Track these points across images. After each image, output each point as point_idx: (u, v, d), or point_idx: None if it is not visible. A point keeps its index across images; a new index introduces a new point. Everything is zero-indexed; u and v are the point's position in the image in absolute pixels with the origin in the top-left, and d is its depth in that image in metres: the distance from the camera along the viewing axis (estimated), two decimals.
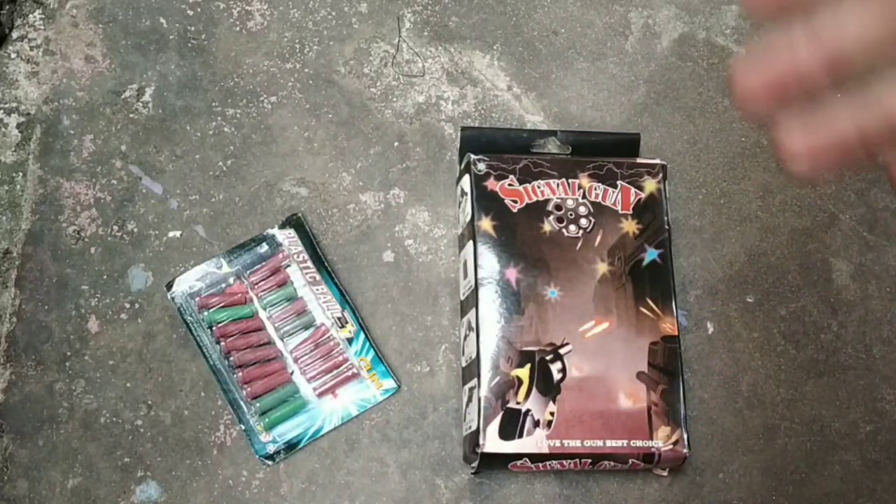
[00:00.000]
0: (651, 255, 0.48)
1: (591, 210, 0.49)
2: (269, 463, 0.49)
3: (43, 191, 0.53)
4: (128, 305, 0.51)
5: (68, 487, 0.48)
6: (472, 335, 0.46)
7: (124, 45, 0.56)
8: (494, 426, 0.44)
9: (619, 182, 0.49)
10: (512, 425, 0.44)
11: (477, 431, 0.44)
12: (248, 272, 0.51)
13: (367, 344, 0.51)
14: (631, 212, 0.49)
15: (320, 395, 0.50)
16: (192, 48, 0.56)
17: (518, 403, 0.44)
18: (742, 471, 0.50)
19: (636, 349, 0.47)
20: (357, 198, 0.54)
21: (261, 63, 0.56)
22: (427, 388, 0.51)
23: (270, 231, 0.52)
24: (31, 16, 0.57)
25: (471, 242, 0.48)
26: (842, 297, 0.54)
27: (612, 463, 0.45)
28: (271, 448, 0.49)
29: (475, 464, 0.45)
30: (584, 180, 0.49)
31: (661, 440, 0.45)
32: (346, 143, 0.55)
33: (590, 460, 0.45)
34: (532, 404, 0.44)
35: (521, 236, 0.48)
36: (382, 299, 0.52)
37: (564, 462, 0.45)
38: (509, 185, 0.48)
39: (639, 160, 0.50)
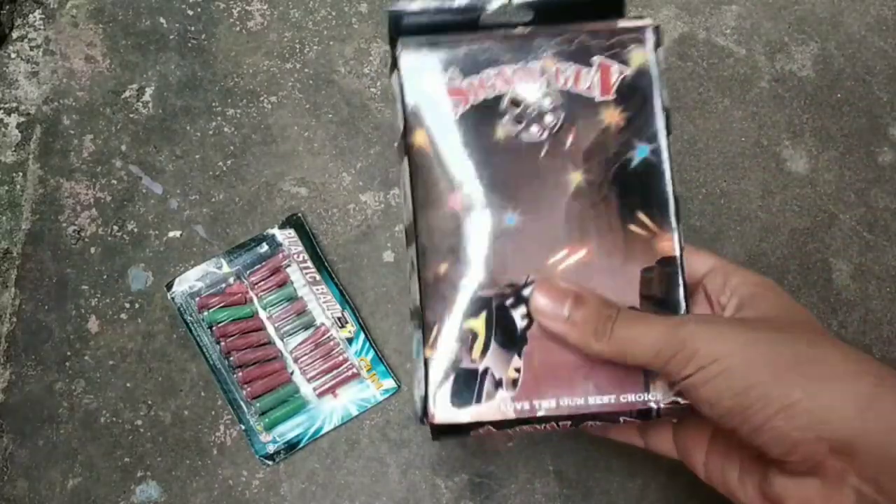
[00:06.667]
0: (641, 152, 0.37)
1: (559, 101, 0.37)
2: (269, 463, 0.49)
3: (43, 191, 0.53)
4: (128, 305, 0.51)
5: (68, 487, 0.49)
6: (415, 277, 0.37)
7: (124, 45, 0.56)
8: (445, 392, 0.35)
9: (595, 58, 0.37)
10: (467, 389, 0.35)
11: (426, 397, 0.36)
12: (248, 272, 0.51)
13: (367, 344, 0.51)
14: (613, 96, 0.37)
15: (320, 395, 0.50)
16: (192, 48, 0.56)
17: (473, 362, 0.35)
18: None
19: (624, 279, 0.36)
20: (357, 198, 0.54)
21: (261, 63, 0.56)
22: None
23: (270, 231, 0.52)
24: (31, 16, 0.57)
25: (405, 160, 0.37)
26: (842, 297, 0.54)
27: (598, 423, 0.36)
28: (271, 448, 0.49)
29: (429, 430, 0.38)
30: (549, 61, 0.37)
31: (661, 391, 0.35)
32: (346, 143, 0.55)
33: (570, 422, 0.36)
34: (491, 361, 0.36)
35: (467, 149, 0.37)
36: (382, 299, 0.52)
37: (538, 426, 0.36)
38: (450, 80, 0.37)
39: (620, 23, 0.37)
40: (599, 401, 0.35)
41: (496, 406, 0.36)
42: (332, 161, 0.55)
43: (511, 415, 0.35)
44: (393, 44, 0.38)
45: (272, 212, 0.53)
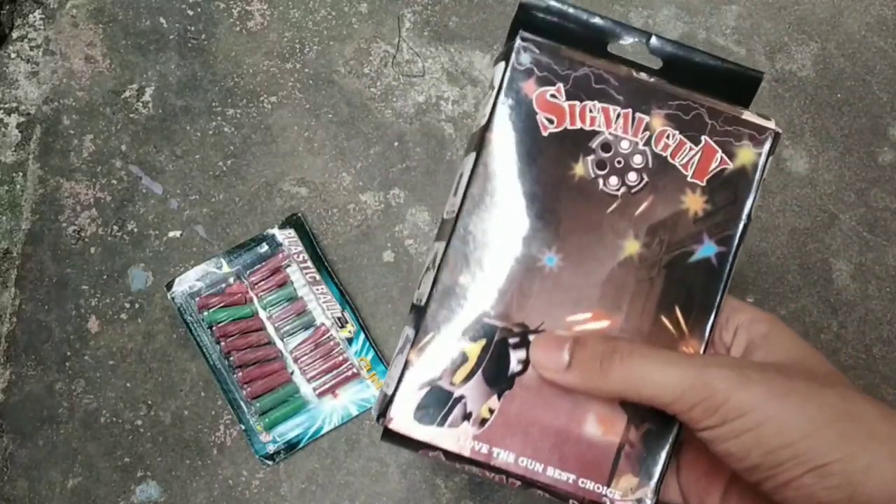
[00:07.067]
0: (707, 250, 0.35)
1: (651, 164, 0.35)
2: (269, 463, 0.49)
3: (43, 191, 0.53)
4: (128, 305, 0.51)
5: (68, 487, 0.49)
6: (431, 274, 0.35)
7: (124, 45, 0.56)
8: (412, 401, 0.34)
9: (704, 137, 0.35)
10: (434, 409, 0.34)
11: (391, 398, 0.34)
12: (248, 272, 0.51)
13: (367, 344, 0.51)
14: (704, 183, 0.35)
15: (320, 395, 0.50)
16: (192, 48, 0.56)
17: (452, 385, 0.34)
18: None
19: None
20: (357, 198, 0.54)
21: (261, 63, 0.56)
22: None
23: (270, 231, 0.52)
24: (31, 16, 0.57)
25: (473, 155, 0.35)
26: (842, 297, 0.54)
27: (546, 495, 0.35)
28: (271, 448, 0.49)
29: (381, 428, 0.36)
30: (658, 121, 0.35)
31: (620, 491, 0.34)
32: (346, 143, 0.55)
33: (519, 483, 0.35)
34: (469, 391, 0.34)
35: (539, 170, 0.35)
36: (382, 299, 0.52)
37: (487, 473, 0.35)
38: (552, 96, 0.35)
39: (745, 114, 0.35)
40: (557, 475, 0.34)
41: (455, 437, 0.34)
42: (332, 161, 0.55)
43: (466, 452, 0.34)
44: (512, 34, 0.36)
45: (272, 212, 0.53)
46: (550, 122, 0.35)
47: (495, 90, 0.35)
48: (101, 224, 0.53)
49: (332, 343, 0.51)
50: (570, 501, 0.34)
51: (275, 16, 0.57)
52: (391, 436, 0.34)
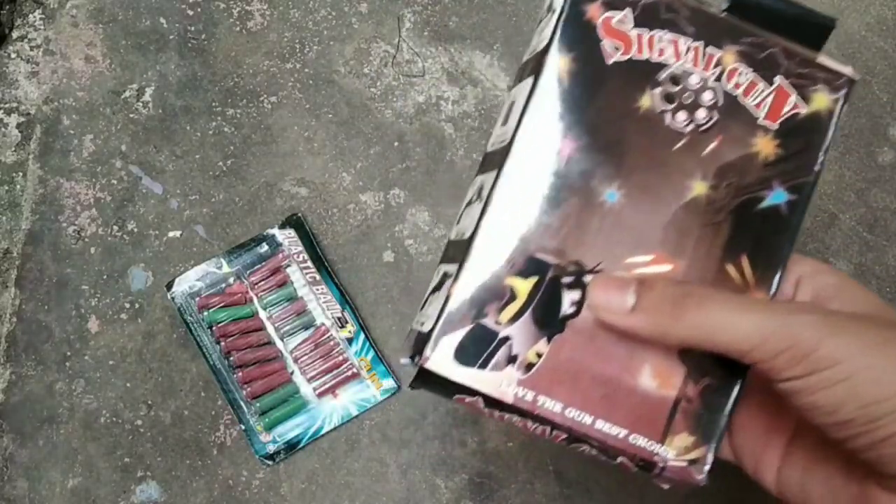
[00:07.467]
0: (778, 197, 0.33)
1: (721, 102, 0.33)
2: (269, 463, 0.49)
3: (43, 191, 0.53)
4: (128, 305, 0.51)
5: (68, 487, 0.49)
6: (478, 206, 0.32)
7: (124, 45, 0.56)
8: (452, 340, 0.31)
9: (778, 78, 0.33)
10: (477, 349, 0.31)
11: (428, 336, 0.31)
12: (248, 272, 0.51)
13: (367, 344, 0.51)
14: (776, 126, 0.33)
15: (320, 395, 0.50)
16: (192, 48, 0.56)
17: (497, 324, 0.31)
18: None
19: None
20: (357, 198, 0.54)
21: (261, 63, 0.56)
22: None
23: (270, 231, 0.52)
24: (31, 16, 0.57)
25: (531, 80, 0.32)
26: None
27: (593, 451, 0.32)
28: (271, 448, 0.49)
29: (413, 373, 0.33)
30: (730, 56, 0.33)
31: (674, 450, 0.31)
32: (346, 143, 0.55)
33: (565, 436, 0.32)
34: (516, 332, 0.31)
35: (603, 100, 0.32)
36: (382, 299, 0.52)
37: (529, 424, 0.32)
38: (619, 21, 0.32)
39: (821, 59, 0.33)
40: (607, 429, 0.31)
41: (498, 381, 0.31)
42: (332, 161, 0.55)
43: (508, 398, 0.31)
44: None
45: (272, 212, 0.53)
46: (616, 48, 0.32)
47: (557, 12, 0.32)
48: (101, 224, 0.53)
49: (332, 343, 0.51)
50: (619, 459, 0.32)
51: (275, 16, 0.57)
52: (425, 378, 0.31)
